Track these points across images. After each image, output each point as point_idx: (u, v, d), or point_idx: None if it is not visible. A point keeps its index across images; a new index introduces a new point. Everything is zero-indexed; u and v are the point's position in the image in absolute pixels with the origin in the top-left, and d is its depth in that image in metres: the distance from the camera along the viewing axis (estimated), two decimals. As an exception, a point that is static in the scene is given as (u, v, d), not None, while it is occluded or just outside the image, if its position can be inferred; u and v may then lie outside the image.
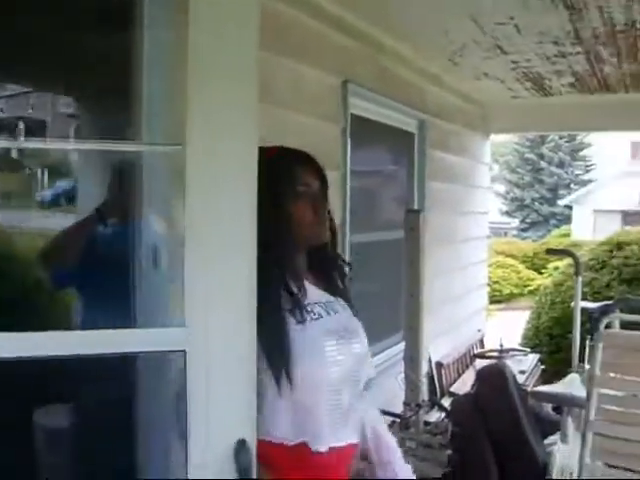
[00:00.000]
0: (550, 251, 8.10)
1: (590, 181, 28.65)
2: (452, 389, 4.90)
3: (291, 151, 1.61)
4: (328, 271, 1.64)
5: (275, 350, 1.43)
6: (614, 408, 2.76)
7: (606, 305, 4.40)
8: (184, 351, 1.19)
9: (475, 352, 5.53)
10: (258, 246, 1.40)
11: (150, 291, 1.45)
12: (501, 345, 5.30)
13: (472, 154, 5.60)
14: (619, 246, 6.56)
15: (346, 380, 1.52)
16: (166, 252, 1.42)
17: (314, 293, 1.55)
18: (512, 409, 3.24)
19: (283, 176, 1.53)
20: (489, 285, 15.46)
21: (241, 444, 1.23)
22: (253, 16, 1.24)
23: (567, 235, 22.34)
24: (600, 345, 2.79)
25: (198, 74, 1.17)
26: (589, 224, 23.04)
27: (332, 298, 1.59)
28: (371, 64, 3.62)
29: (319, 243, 1.59)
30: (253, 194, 1.24)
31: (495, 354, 5.16)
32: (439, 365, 4.86)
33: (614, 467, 2.80)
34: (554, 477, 2.32)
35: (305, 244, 1.57)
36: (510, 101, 5.67)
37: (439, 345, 4.76)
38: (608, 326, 3.31)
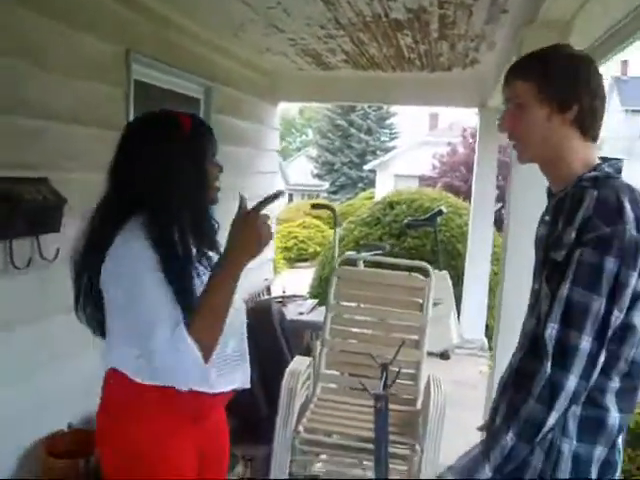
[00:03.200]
0: (314, 205, 8.93)
1: (394, 148, 30.72)
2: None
3: (203, 121, 1.77)
4: (209, 229, 1.76)
5: (183, 302, 1.54)
6: (343, 328, 3.48)
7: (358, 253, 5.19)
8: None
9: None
10: (181, 205, 1.59)
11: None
12: (284, 292, 6.02)
13: (261, 120, 6.13)
14: (391, 205, 7.51)
15: (230, 332, 1.65)
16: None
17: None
18: (274, 333, 3.89)
19: (207, 141, 1.70)
20: (296, 245, 16.36)
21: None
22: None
23: (371, 198, 23.96)
24: (334, 279, 3.48)
25: None
26: (390, 187, 24.88)
27: (211, 254, 1.72)
28: (157, 35, 3.97)
29: (215, 203, 1.76)
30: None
31: (279, 299, 5.84)
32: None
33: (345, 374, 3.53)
34: (286, 376, 2.92)
35: (210, 203, 1.73)
36: (296, 72, 6.18)
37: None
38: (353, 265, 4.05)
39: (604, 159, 1.50)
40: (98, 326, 1.72)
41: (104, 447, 1.72)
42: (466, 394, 4.60)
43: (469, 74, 6.00)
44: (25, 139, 2.86)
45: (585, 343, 1.32)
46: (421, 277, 3.40)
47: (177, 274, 1.54)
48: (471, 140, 21.04)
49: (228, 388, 1.71)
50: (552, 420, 1.34)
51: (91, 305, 1.70)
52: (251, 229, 1.58)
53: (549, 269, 1.44)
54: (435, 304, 4.25)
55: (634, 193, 1.39)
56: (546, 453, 1.40)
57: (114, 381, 1.67)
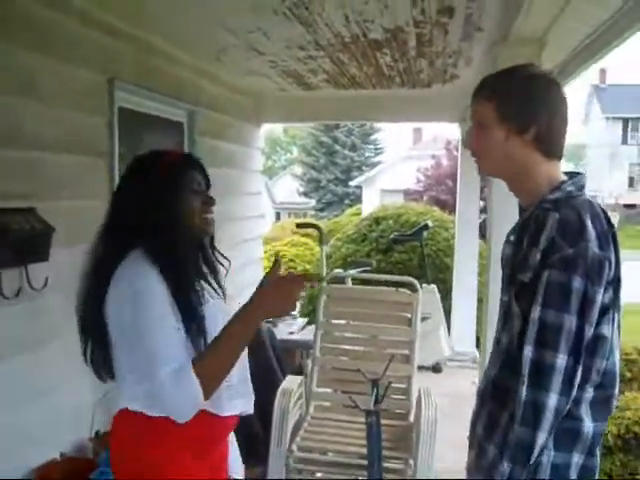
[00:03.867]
0: (299, 225, 8.98)
1: (379, 163, 30.89)
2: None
3: (187, 156, 1.88)
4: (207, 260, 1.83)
5: (194, 328, 1.62)
6: (333, 345, 3.50)
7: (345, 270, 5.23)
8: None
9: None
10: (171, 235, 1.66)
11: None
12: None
13: (244, 141, 6.18)
14: (377, 221, 7.56)
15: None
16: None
17: None
18: (265, 353, 3.91)
19: (185, 176, 1.75)
20: (284, 263, 16.37)
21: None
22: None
23: (358, 214, 24.03)
24: (323, 297, 3.51)
25: None
26: (377, 203, 25.01)
27: (207, 286, 1.78)
28: (139, 62, 4.01)
29: (208, 235, 1.82)
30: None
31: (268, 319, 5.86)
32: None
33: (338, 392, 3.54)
34: (278, 395, 2.94)
35: (198, 235, 1.78)
36: (278, 93, 6.25)
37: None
38: (342, 282, 4.08)
39: (569, 174, 1.52)
40: (106, 371, 1.74)
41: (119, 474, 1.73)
42: (459, 406, 4.61)
43: (449, 89, 6.08)
44: (12, 169, 2.88)
45: (561, 361, 1.35)
46: (409, 292, 3.43)
47: (183, 293, 1.62)
48: (455, 152, 21.19)
49: (235, 412, 1.76)
50: (541, 440, 1.37)
51: (96, 343, 1.72)
52: (281, 292, 1.63)
53: (517, 289, 1.47)
54: (424, 318, 4.30)
55: (595, 209, 1.42)
56: None
57: (125, 418, 1.68)
